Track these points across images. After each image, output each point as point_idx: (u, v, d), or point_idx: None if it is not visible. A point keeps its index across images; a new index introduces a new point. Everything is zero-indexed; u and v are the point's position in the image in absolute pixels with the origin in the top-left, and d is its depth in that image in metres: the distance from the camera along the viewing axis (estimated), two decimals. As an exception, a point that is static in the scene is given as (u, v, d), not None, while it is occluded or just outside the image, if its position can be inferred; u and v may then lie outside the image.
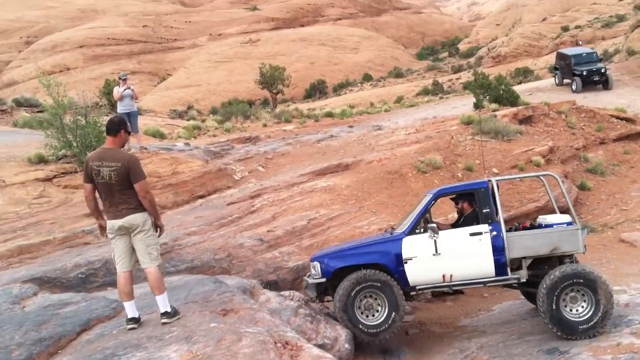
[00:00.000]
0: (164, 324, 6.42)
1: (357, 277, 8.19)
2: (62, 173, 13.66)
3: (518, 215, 13.71)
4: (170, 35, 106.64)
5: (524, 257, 8.46)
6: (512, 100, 24.46)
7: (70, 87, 22.27)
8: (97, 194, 6.45)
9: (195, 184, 14.02)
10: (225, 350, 5.64)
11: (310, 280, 8.80)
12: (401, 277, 8.43)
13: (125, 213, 6.30)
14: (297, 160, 16.91)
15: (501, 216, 8.56)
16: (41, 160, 14.03)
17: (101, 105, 25.33)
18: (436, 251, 8.34)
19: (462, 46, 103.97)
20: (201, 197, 13.72)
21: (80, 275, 8.98)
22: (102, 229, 6.52)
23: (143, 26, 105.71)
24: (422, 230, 8.67)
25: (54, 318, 6.88)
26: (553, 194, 10.48)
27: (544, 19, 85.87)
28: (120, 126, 6.49)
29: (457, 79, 69.25)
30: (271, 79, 48.80)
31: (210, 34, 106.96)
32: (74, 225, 11.26)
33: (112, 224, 6.35)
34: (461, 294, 9.81)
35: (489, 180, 8.90)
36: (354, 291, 8.15)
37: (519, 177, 11.49)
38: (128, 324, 6.44)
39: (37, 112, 24.26)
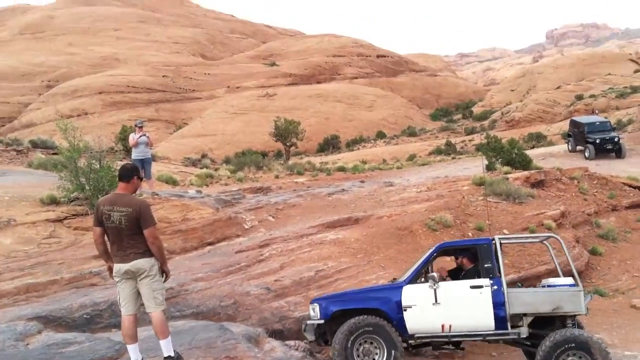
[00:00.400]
0: (166, 368, 6.38)
1: (350, 327, 8.16)
2: (73, 215, 13.71)
3: (528, 276, 13.59)
4: (189, 85, 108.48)
5: (525, 315, 8.41)
6: (524, 164, 24.53)
7: (87, 131, 22.59)
8: (106, 237, 6.51)
9: (204, 231, 14.03)
10: (227, 397, 5.57)
11: (309, 322, 8.81)
12: (400, 325, 8.42)
13: (133, 257, 6.36)
14: (308, 212, 16.93)
15: (502, 272, 8.57)
16: (53, 201, 14.09)
17: (116, 151, 25.62)
18: (436, 300, 8.34)
19: (476, 109, 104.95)
20: (210, 244, 13.72)
21: (85, 316, 8.95)
22: (112, 271, 6.56)
23: (162, 76, 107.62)
24: (423, 280, 8.71)
25: (57, 357, 6.86)
26: (561, 259, 10.43)
27: (558, 87, 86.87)
28: (133, 173, 6.61)
29: (470, 140, 69.74)
30: (285, 132, 49.24)
31: (229, 86, 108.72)
32: (81, 267, 11.26)
33: (118, 267, 6.40)
34: (461, 349, 9.65)
35: (493, 239, 8.92)
36: (350, 341, 8.10)
37: (524, 238, 11.33)
38: (131, 366, 6.41)
39: (52, 154, 24.53)
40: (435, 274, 8.53)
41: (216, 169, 32.68)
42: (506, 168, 23.22)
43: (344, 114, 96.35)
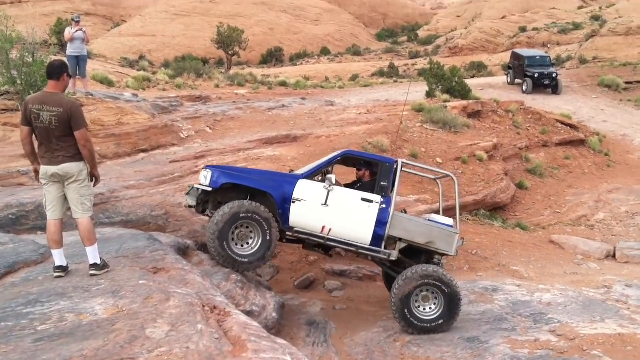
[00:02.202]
0: (92, 275, 6.32)
1: (230, 209, 8.05)
2: (3, 109, 13.20)
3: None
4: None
5: (400, 240, 8.64)
6: (463, 93, 24.74)
7: (21, 20, 21.40)
8: (34, 138, 6.27)
9: (139, 137, 13.78)
10: (151, 309, 5.59)
11: (196, 186, 8.66)
12: (284, 215, 8.45)
13: (62, 161, 6.15)
14: (246, 126, 16.80)
15: (395, 195, 8.73)
16: (-19, 94, 13.53)
17: (50, 44, 24.52)
18: (325, 202, 8.40)
19: (422, 33, 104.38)
20: (144, 151, 13.51)
21: (10, 216, 8.75)
22: (38, 173, 6.35)
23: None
24: (320, 179, 8.77)
25: (-22, 257, 6.70)
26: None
27: (503, 17, 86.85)
28: (63, 70, 6.29)
29: (413, 64, 69.71)
30: (228, 40, 47.92)
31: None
32: (9, 165, 10.94)
33: (45, 169, 6.19)
34: (329, 256, 9.88)
35: (396, 160, 9.03)
36: (228, 223, 8.03)
37: (425, 170, 11.07)
38: (55, 272, 6.32)
39: (-18, 42, 23.29)
40: (333, 177, 8.53)
41: (154, 73, 31.84)
42: (445, 96, 23.41)
43: (289, 26, 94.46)
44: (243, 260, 8.18)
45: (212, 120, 16.83)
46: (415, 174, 11.11)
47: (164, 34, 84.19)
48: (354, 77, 53.16)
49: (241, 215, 8.07)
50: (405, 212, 9.67)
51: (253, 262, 8.27)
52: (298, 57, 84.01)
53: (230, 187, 8.39)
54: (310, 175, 8.71)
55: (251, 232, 8.26)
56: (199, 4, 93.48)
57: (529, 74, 32.61)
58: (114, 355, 4.72)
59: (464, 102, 21.57)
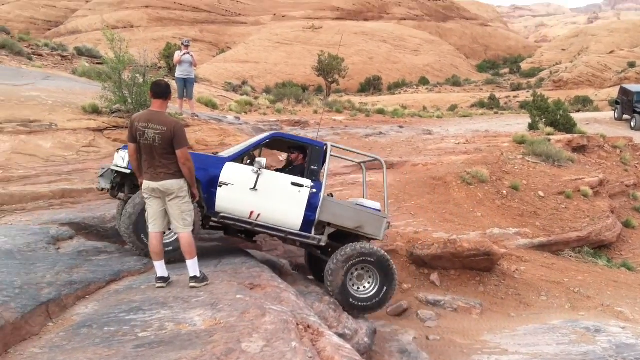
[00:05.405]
0: (191, 287, 6.47)
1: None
2: (114, 126, 13.80)
3: (559, 241, 13.48)
4: (235, 9, 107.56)
5: (329, 225, 8.34)
6: (568, 127, 24.00)
7: (132, 44, 22.48)
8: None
9: (240, 158, 14.08)
10: (248, 323, 5.64)
11: (112, 167, 7.95)
12: (209, 199, 7.96)
13: (163, 177, 6.35)
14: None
15: (325, 178, 8.48)
16: (95, 110, 14.19)
17: (160, 67, 25.64)
18: (254, 186, 8.01)
19: (525, 65, 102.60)
20: (245, 172, 13.77)
21: (117, 227, 9.08)
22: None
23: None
24: (248, 162, 8.44)
25: (87, 264, 6.98)
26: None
27: (611, 52, 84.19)
28: (168, 90, 6.52)
29: (515, 96, 68.46)
30: (328, 68, 48.79)
31: (275, 14, 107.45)
32: (117, 179, 11.38)
33: (147, 184, 6.40)
34: (253, 242, 9.49)
35: (325, 144, 8.71)
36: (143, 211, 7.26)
37: (353, 153, 10.31)
38: (157, 282, 6.51)
39: (97, 63, 24.62)
40: (263, 160, 8.12)
41: (256, 98, 32.67)
42: (549, 129, 22.78)
43: (388, 55, 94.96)
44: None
45: (310, 144, 17.04)
46: (344, 158, 10.72)
47: (266, 61, 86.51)
48: (453, 107, 52.67)
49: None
50: (332, 196, 9.36)
51: (174, 251, 7.52)
52: (396, 86, 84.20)
53: None
54: (237, 158, 8.32)
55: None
56: (301, 33, 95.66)
57: (638, 109, 31.34)
58: (210, 366, 4.78)
59: (569, 136, 20.93)
